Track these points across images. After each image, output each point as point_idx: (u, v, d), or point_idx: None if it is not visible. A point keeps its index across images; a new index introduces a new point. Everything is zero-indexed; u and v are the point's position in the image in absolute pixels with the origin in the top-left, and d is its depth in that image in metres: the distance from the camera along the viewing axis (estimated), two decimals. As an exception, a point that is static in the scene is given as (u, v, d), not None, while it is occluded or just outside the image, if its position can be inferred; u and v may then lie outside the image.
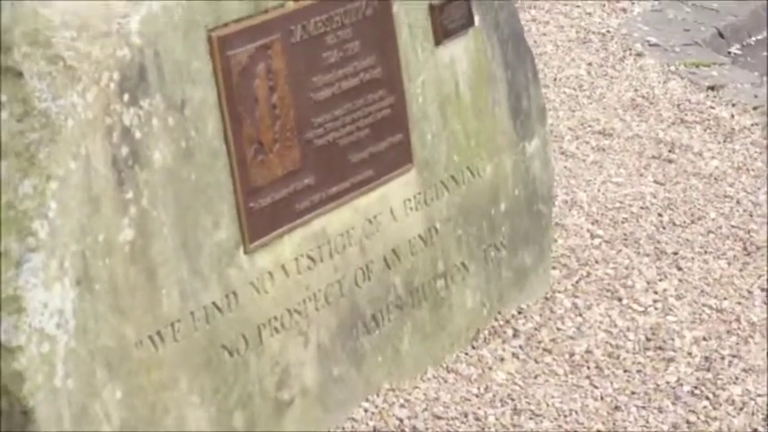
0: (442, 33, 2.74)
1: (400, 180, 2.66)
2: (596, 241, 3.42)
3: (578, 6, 5.03)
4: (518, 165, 2.99)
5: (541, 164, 3.09)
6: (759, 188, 3.72)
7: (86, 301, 2.07)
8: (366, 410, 2.67)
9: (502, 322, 3.01)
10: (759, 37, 5.11)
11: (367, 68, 2.55)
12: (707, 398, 2.77)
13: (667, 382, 2.82)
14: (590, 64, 4.58)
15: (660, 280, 3.24)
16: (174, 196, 2.20)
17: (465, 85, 2.79)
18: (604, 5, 5.09)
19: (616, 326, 3.05)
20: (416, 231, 2.72)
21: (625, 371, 2.88)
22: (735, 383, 2.81)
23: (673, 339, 2.99)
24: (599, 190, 3.68)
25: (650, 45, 4.77)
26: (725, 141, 4.03)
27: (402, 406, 2.72)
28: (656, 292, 3.18)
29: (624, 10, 5.07)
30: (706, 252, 3.38)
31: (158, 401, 2.20)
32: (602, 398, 2.78)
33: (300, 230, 2.45)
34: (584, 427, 2.69)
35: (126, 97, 2.11)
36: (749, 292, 3.19)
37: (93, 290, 2.08)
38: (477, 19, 2.81)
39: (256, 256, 2.36)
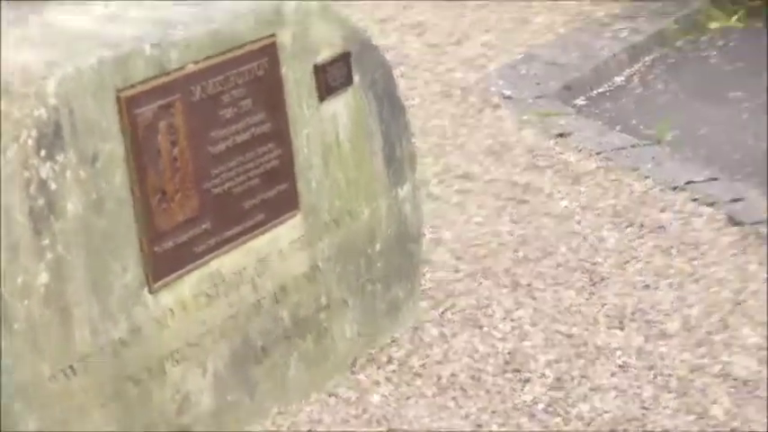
0: (326, 91, 2.82)
1: (287, 224, 2.73)
2: (460, 275, 3.48)
3: (441, 64, 5.13)
4: (391, 208, 3.08)
5: (412, 207, 3.17)
6: (603, 225, 3.81)
7: (6, 341, 2.09)
8: (257, 432, 2.74)
9: (377, 350, 3.07)
10: (600, 90, 5.25)
11: (258, 124, 2.62)
12: (559, 414, 2.86)
13: (524, 401, 2.91)
14: (453, 115, 4.64)
15: (516, 309, 3.31)
16: (86, 242, 2.24)
17: (345, 137, 2.87)
18: (465, 63, 5.17)
19: (478, 351, 3.11)
20: (302, 269, 2.78)
21: (486, 392, 2.94)
22: (584, 401, 2.90)
23: (528, 362, 3.07)
24: (462, 229, 3.75)
25: (505, 98, 4.83)
26: (572, 183, 4.11)
27: (289, 428, 2.77)
28: (513, 320, 3.26)
29: (482, 66, 5.15)
30: (557, 283, 3.46)
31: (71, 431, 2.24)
32: (466, 416, 2.85)
33: (199, 271, 2.50)
34: (452, 444, 2.78)
35: (43, 153, 2.16)
36: (595, 319, 3.28)
37: (12, 329, 2.11)
38: (356, 78, 2.89)
39: (160, 295, 2.41)
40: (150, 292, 2.39)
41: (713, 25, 6.04)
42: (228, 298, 2.59)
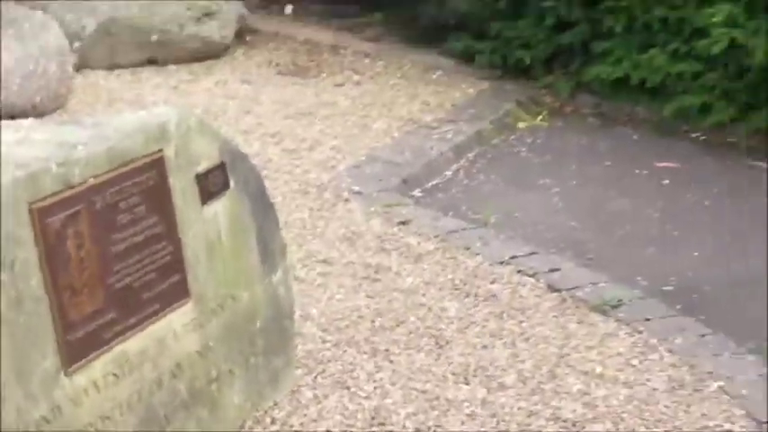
0: (207, 196, 2.90)
1: (180, 310, 2.79)
2: (327, 345, 3.57)
3: (298, 167, 5.19)
4: (267, 291, 3.16)
5: (284, 289, 3.26)
6: (444, 297, 3.95)
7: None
8: (163, 492, 2.74)
9: (262, 413, 3.14)
10: (433, 183, 5.36)
11: (151, 226, 2.70)
12: (420, 458, 2.99)
13: (390, 449, 3.04)
14: (311, 209, 4.70)
15: (377, 371, 3.42)
16: (10, 336, 2.29)
17: (225, 234, 2.96)
18: (318, 165, 5.24)
19: (348, 409, 3.21)
20: (194, 348, 2.85)
21: (357, 443, 3.07)
22: (439, 447, 3.04)
23: (391, 416, 3.18)
24: (326, 305, 3.84)
25: (354, 193, 4.91)
26: (416, 262, 4.24)
27: (190, 486, 2.82)
28: (375, 381, 3.36)
29: (333, 167, 5.22)
30: (409, 347, 3.58)
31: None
32: (342, 465, 2.96)
33: (107, 354, 2.55)
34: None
35: (-30, 260, 2.20)
36: (444, 376, 3.41)
37: (-52, 413, 2.13)
38: (231, 183, 2.99)
39: (75, 377, 2.45)
40: (66, 375, 2.43)
41: (521, 125, 6.24)
42: (133, 376, 2.63)
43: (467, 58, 7.05)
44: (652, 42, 6.35)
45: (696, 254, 4.70)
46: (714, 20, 5.97)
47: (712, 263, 4.64)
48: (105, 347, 2.55)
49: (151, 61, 6.82)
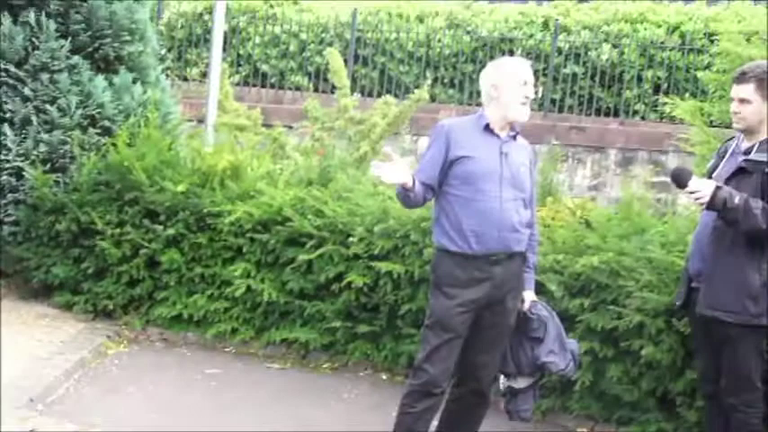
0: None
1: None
2: None
3: None
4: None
5: None
6: None
7: None
8: None
9: None
10: (52, 398, 5.73)
11: None
12: None
13: None
14: None
15: None
16: None
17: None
18: None
19: None
20: None
21: None
22: None
23: None
24: None
25: None
26: None
27: None
28: None
29: None
30: None
31: None
32: None
33: None
34: None
35: None
36: None
37: None
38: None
39: None
40: None
41: (111, 352, 6.97)
42: None
43: (69, 307, 7.86)
44: (196, 290, 7.57)
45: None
46: (235, 273, 7.35)
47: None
48: None
49: None
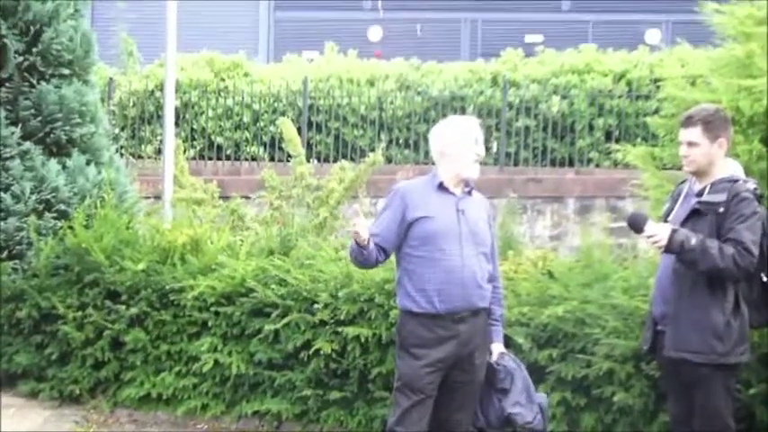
0: None
1: None
2: None
3: None
4: None
5: None
6: None
7: None
8: None
9: None
10: None
11: None
12: None
13: None
14: None
15: None
16: None
17: None
18: None
19: None
20: None
21: None
22: None
23: None
24: None
25: None
26: None
27: None
28: None
29: None
30: None
31: None
32: None
33: None
34: None
35: None
36: None
37: None
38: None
39: None
40: None
41: None
42: None
43: (34, 395, 7.82)
44: (163, 368, 7.58)
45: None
46: (202, 348, 7.36)
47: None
48: None
49: None
